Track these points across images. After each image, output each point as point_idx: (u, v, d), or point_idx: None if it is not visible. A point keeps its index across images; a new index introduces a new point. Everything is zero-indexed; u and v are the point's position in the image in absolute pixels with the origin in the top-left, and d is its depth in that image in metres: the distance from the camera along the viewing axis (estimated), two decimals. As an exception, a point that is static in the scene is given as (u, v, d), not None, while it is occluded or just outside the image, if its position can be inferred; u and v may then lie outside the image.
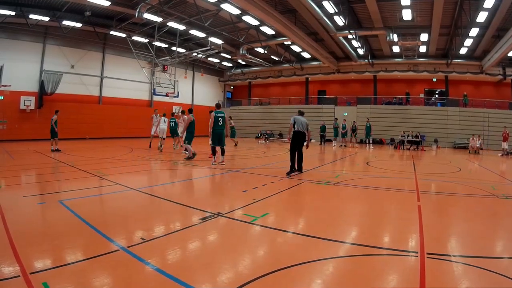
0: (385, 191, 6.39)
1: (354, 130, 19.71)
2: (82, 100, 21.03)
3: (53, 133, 12.04)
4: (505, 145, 16.41)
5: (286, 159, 10.46)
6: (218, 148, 9.32)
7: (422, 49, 21.19)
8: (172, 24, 18.91)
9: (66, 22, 17.90)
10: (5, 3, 15.36)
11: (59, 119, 12.32)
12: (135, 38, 21.01)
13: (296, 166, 7.96)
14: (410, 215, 4.42)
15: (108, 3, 15.59)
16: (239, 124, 30.01)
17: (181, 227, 3.72)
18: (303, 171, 8.03)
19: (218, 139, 9.12)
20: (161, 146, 13.41)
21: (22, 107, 17.86)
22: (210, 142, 9.51)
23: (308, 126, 8.09)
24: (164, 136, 13.94)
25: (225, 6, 15.72)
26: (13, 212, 4.11)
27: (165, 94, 20.82)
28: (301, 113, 8.30)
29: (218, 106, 9.71)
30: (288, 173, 7.71)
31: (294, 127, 7.93)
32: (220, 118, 9.14)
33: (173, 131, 14.13)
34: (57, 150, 11.97)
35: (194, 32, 20.29)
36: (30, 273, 2.39)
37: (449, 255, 2.98)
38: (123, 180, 6.69)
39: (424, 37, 18.21)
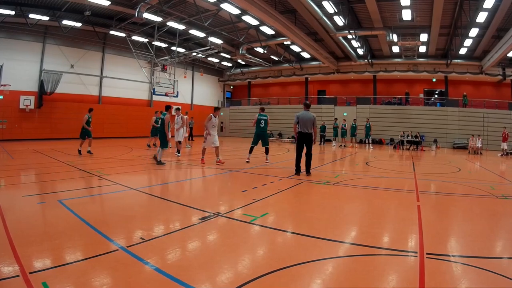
0: (384, 191, 6.39)
1: (354, 129, 19.67)
2: (82, 99, 21.00)
3: (82, 133, 10.96)
4: (504, 145, 16.43)
5: (286, 159, 10.47)
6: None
7: (422, 49, 21.20)
8: (171, 23, 18.90)
9: (65, 22, 17.89)
10: (4, 3, 15.33)
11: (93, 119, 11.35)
12: (135, 37, 21.00)
13: (305, 167, 7.68)
14: (409, 215, 4.42)
15: (107, 3, 15.58)
16: (238, 123, 30.11)
17: (181, 227, 3.72)
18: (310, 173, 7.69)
19: (258, 139, 9.74)
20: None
21: (21, 106, 17.83)
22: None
23: (314, 122, 7.51)
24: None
25: (225, 6, 15.71)
26: (12, 211, 4.11)
27: (164, 94, 20.81)
28: (307, 106, 7.72)
29: (262, 109, 10.16)
30: (295, 174, 7.61)
31: (298, 127, 7.57)
32: (262, 120, 9.68)
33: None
34: (88, 152, 10.94)
35: (193, 32, 20.28)
36: (30, 273, 2.39)
37: (449, 255, 2.98)
38: (122, 179, 6.69)
39: (423, 37, 18.21)
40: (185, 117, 12.92)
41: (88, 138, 10.95)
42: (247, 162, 9.63)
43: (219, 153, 9.40)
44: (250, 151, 9.85)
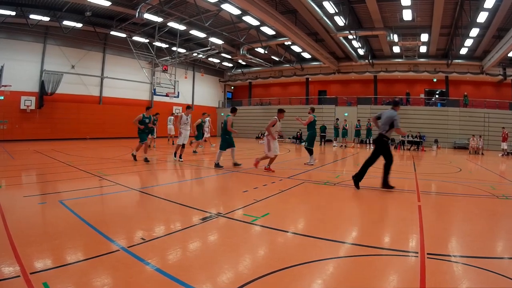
0: (385, 191, 6.38)
1: (357, 131, 19.95)
2: (83, 100, 21.05)
3: (140, 135, 9.52)
4: (504, 145, 16.41)
5: (286, 159, 10.45)
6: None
7: (423, 49, 21.18)
8: (172, 24, 18.92)
9: (66, 22, 17.92)
10: (5, 3, 15.37)
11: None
12: (136, 38, 21.02)
13: (382, 180, 6.22)
14: (410, 215, 4.42)
15: (108, 3, 15.60)
16: (239, 124, 30.05)
17: (182, 227, 3.72)
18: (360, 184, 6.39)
19: (314, 141, 9.54)
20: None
21: (22, 107, 17.88)
22: (306, 144, 9.75)
23: (395, 121, 5.91)
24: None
25: (226, 6, 15.72)
26: (13, 212, 4.11)
27: (165, 94, 20.82)
28: (394, 104, 6.27)
29: (313, 109, 9.82)
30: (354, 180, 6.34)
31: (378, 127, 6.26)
32: (316, 122, 9.40)
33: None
34: (145, 160, 9.34)
35: (194, 32, 20.30)
36: (31, 273, 2.39)
37: (449, 255, 2.98)
38: (123, 180, 6.70)
39: (424, 37, 18.20)
40: (207, 118, 13.40)
41: (142, 142, 9.50)
42: (310, 163, 9.51)
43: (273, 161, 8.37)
44: (312, 152, 9.66)
